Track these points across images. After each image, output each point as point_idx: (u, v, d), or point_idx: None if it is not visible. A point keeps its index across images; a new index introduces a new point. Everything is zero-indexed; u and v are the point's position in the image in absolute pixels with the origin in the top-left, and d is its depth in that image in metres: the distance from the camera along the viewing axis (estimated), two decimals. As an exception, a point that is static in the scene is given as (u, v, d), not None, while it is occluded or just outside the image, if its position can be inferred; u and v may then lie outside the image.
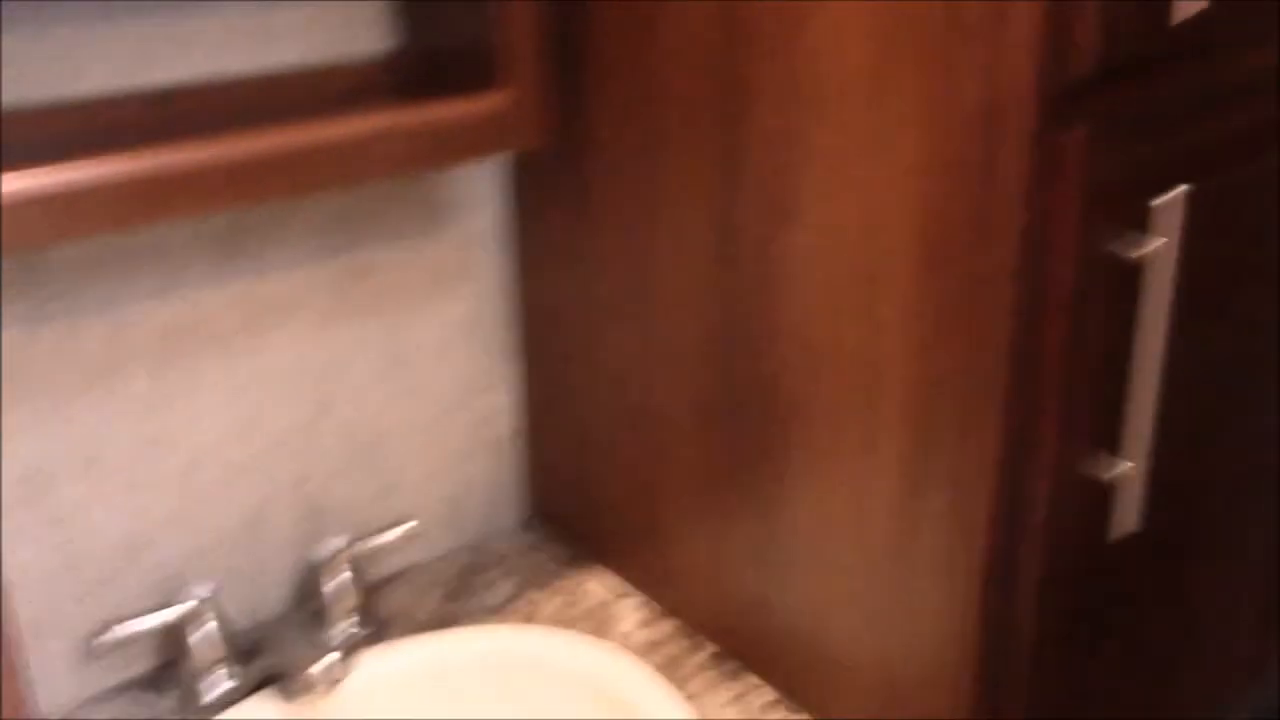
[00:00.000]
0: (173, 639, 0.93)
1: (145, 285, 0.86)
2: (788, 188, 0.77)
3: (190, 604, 0.88)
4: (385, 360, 0.99)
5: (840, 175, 0.73)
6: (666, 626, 0.97)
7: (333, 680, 0.85)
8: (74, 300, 0.83)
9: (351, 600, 0.95)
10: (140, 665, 0.93)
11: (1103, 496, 0.76)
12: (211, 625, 0.88)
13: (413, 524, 0.98)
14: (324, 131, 0.79)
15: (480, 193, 1.00)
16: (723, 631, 0.94)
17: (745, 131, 0.78)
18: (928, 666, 0.78)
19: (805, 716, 0.87)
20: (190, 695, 0.89)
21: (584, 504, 1.06)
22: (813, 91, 0.73)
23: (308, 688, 0.85)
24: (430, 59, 0.92)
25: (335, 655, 0.85)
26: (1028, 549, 0.74)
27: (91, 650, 0.89)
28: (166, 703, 0.90)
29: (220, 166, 0.76)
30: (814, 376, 0.79)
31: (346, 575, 0.94)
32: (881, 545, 0.79)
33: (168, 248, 0.86)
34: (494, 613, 0.99)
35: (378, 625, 0.96)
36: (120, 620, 0.87)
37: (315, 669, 0.85)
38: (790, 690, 0.89)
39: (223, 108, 0.85)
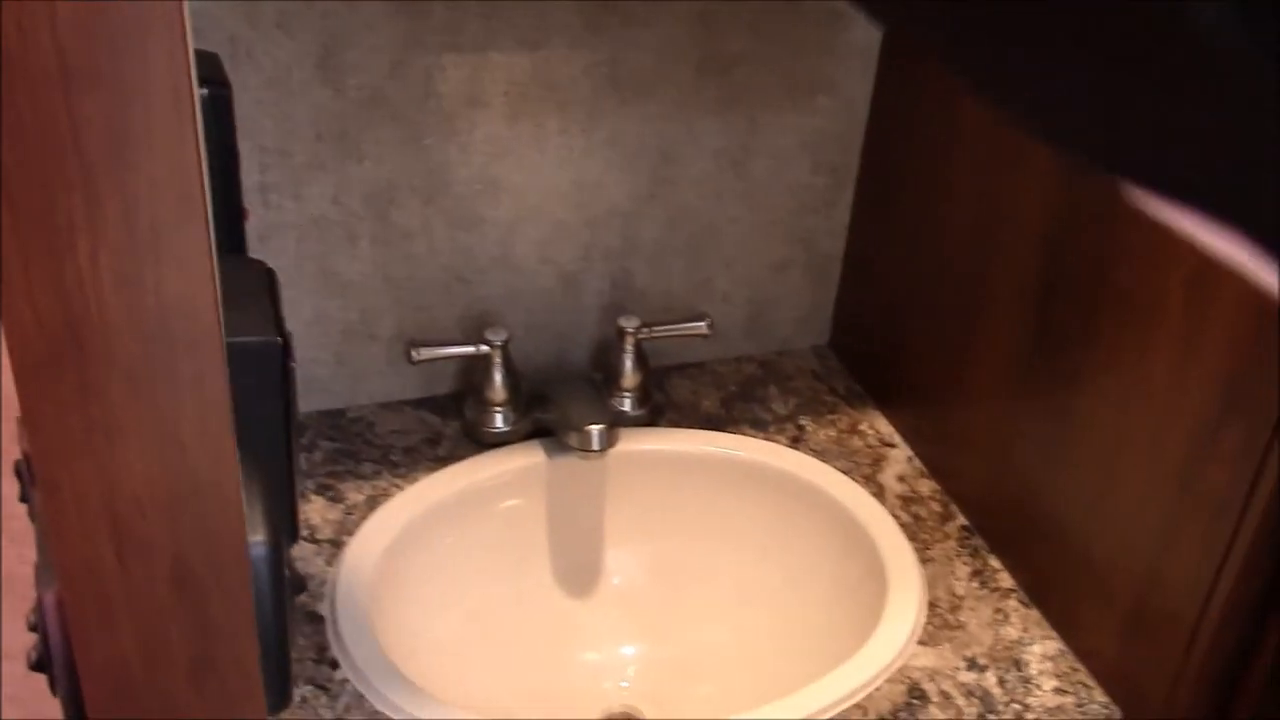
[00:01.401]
0: (465, 373, 1.00)
1: (513, 35, 0.89)
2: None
3: (486, 346, 0.94)
4: (728, 156, 1.00)
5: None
6: (925, 487, 0.96)
7: (594, 448, 0.89)
8: (448, 36, 0.87)
9: (633, 379, 0.98)
10: (433, 389, 1.01)
11: None
12: (500, 369, 0.94)
13: (705, 323, 0.99)
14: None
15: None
16: (980, 509, 0.92)
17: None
18: (1180, 607, 0.73)
19: (1037, 613, 0.85)
20: (470, 428, 0.96)
21: (880, 346, 1.04)
22: None
23: (571, 448, 0.90)
24: None
25: (602, 426, 0.89)
26: (1325, 516, 0.67)
27: (396, 361, 0.98)
28: (449, 428, 0.98)
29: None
30: (1146, 268, 0.74)
31: (634, 355, 0.98)
32: (1172, 471, 0.73)
33: (541, 6, 0.88)
34: (763, 427, 1.01)
35: (651, 409, 1.00)
36: (427, 343, 0.94)
37: (582, 433, 0.89)
38: (1030, 586, 0.86)
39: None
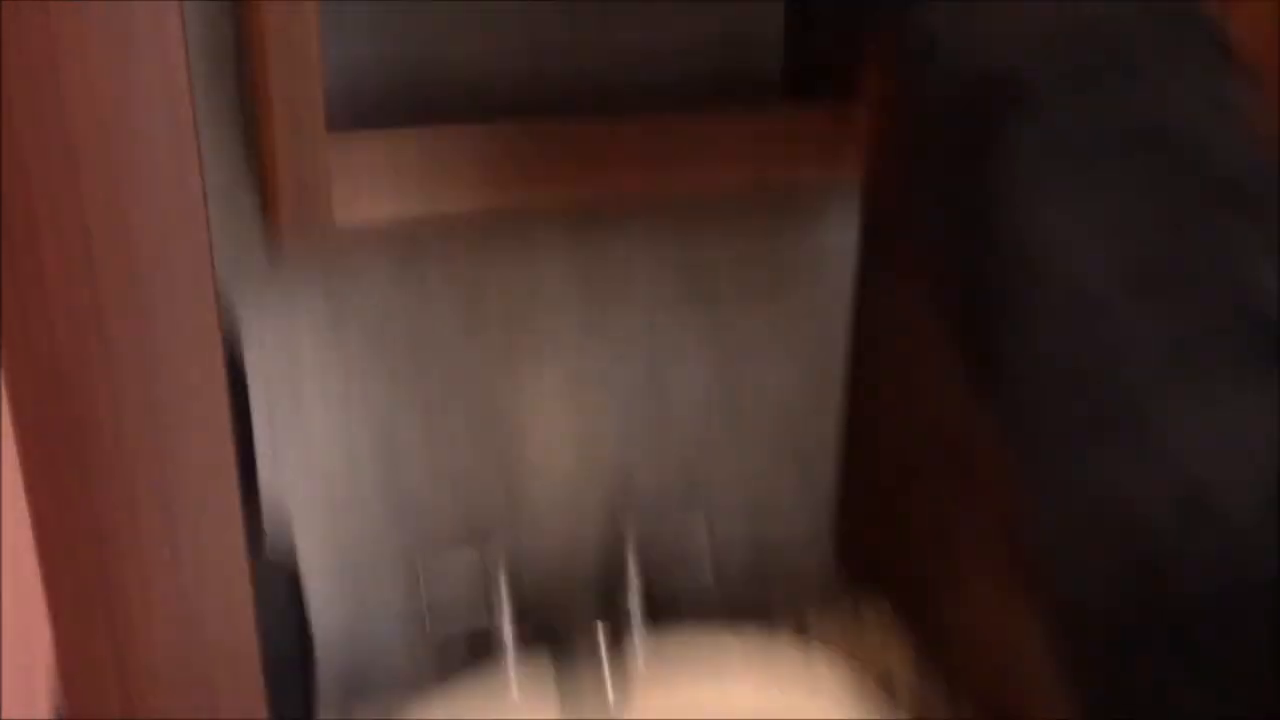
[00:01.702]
0: (469, 595, 0.99)
1: (505, 263, 0.92)
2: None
3: (485, 565, 0.95)
4: (716, 354, 1.02)
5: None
6: (926, 683, 0.96)
7: (600, 654, 0.90)
8: (445, 266, 0.91)
9: (634, 583, 0.98)
10: (439, 612, 0.99)
11: None
12: (501, 589, 0.95)
13: (700, 516, 1.01)
14: (674, 128, 0.83)
15: (837, 208, 1.01)
16: (981, 707, 0.91)
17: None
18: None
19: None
20: (475, 656, 0.96)
21: (882, 541, 1.05)
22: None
23: (576, 657, 0.91)
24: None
25: (603, 631, 0.91)
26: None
27: (399, 583, 0.98)
28: (455, 652, 0.98)
29: (577, 155, 0.81)
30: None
31: (633, 559, 0.98)
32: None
33: (530, 235, 0.92)
34: (766, 618, 1.02)
35: (653, 610, 0.99)
36: (424, 562, 0.95)
37: (587, 645, 0.91)
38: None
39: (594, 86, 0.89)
